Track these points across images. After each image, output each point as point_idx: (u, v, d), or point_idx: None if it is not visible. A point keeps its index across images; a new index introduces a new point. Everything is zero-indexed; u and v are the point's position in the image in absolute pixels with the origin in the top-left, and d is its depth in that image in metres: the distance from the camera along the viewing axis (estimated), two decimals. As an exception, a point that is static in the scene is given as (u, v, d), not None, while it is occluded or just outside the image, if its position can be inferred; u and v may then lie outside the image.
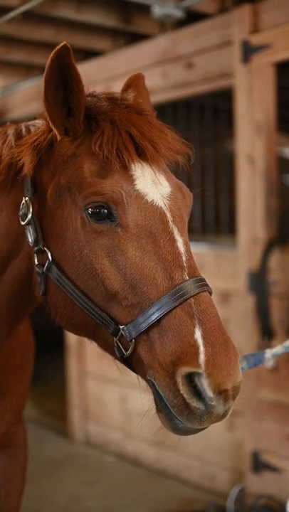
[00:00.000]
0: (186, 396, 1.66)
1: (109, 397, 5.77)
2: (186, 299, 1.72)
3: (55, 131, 1.92)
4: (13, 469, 2.61)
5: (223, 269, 4.77)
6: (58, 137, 1.92)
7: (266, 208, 4.42)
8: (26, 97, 6.58)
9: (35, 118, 2.18)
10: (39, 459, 5.51)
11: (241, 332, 4.57)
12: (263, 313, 4.28)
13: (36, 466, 5.28)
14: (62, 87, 1.87)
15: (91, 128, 1.90)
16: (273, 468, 4.42)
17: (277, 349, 2.26)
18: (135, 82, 2.28)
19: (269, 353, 2.20)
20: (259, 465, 4.49)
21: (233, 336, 4.58)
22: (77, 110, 1.89)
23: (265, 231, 4.42)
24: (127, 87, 2.27)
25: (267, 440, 4.48)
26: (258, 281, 4.34)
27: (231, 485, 4.68)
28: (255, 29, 4.44)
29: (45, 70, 1.83)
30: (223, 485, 4.83)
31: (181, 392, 1.66)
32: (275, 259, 4.34)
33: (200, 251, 4.93)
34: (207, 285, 1.79)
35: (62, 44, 1.79)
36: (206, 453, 4.97)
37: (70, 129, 1.91)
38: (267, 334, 4.27)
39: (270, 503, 4.35)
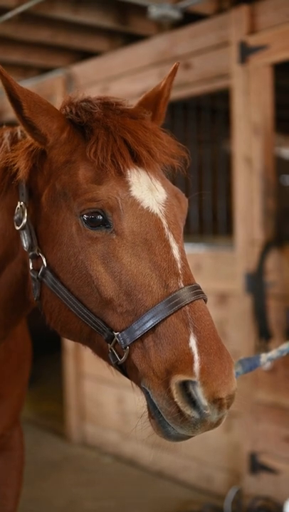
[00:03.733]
0: (180, 404, 1.65)
1: (106, 398, 5.77)
2: (181, 307, 1.71)
3: (47, 144, 1.93)
4: (10, 472, 2.61)
5: (221, 270, 4.77)
6: (48, 148, 1.93)
7: (263, 209, 4.42)
8: (23, 97, 6.55)
9: None
10: (36, 460, 5.51)
11: (238, 333, 4.57)
12: (260, 314, 4.28)
13: (33, 467, 5.28)
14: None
15: (85, 135, 1.89)
16: (270, 470, 4.42)
17: (273, 353, 2.25)
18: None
19: (264, 357, 2.19)
20: (256, 466, 4.49)
21: (230, 337, 4.61)
22: (62, 128, 1.90)
23: (262, 232, 4.42)
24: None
25: (264, 441, 4.47)
26: (256, 283, 4.33)
27: (228, 486, 4.68)
28: (252, 30, 4.44)
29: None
30: (220, 486, 4.82)
31: (176, 400, 1.65)
32: (273, 261, 4.33)
33: (197, 252, 4.93)
34: (202, 292, 1.78)
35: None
36: (203, 454, 4.96)
37: (60, 141, 1.91)
38: (264, 335, 4.26)
39: (267, 504, 4.35)
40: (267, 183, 4.42)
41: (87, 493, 5.02)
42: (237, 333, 4.59)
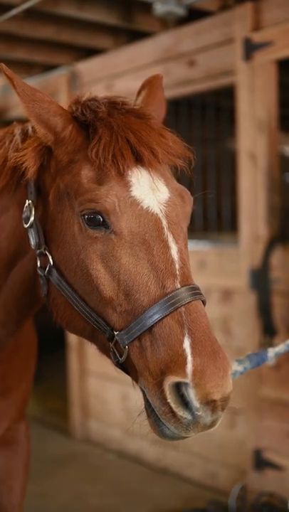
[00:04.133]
0: (172, 405, 1.66)
1: (110, 395, 5.77)
2: (177, 308, 1.71)
3: (49, 143, 1.95)
4: (16, 466, 2.63)
5: (225, 266, 4.77)
6: (52, 147, 1.95)
7: (268, 206, 4.42)
8: (28, 95, 6.57)
9: None
10: (40, 456, 5.51)
11: (243, 330, 4.57)
12: (264, 310, 4.28)
13: (37, 463, 5.29)
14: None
15: (89, 134, 1.90)
16: (275, 466, 4.42)
17: (280, 348, 2.26)
18: (150, 83, 2.23)
19: (272, 351, 2.20)
20: (261, 463, 4.49)
21: (235, 334, 4.62)
22: (63, 127, 1.92)
23: (267, 228, 4.42)
24: (141, 89, 2.23)
25: (268, 438, 4.48)
26: (260, 279, 4.34)
27: (233, 483, 4.68)
28: (257, 26, 4.44)
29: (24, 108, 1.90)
30: (225, 483, 4.83)
31: (168, 401, 1.66)
32: (277, 257, 4.33)
33: (202, 249, 4.93)
34: (200, 293, 1.78)
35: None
36: (207, 451, 4.97)
37: (62, 140, 1.92)
38: (269, 332, 4.27)
39: (272, 500, 4.35)
40: (271, 179, 4.42)
41: (92, 489, 5.03)
42: (241, 330, 4.60)
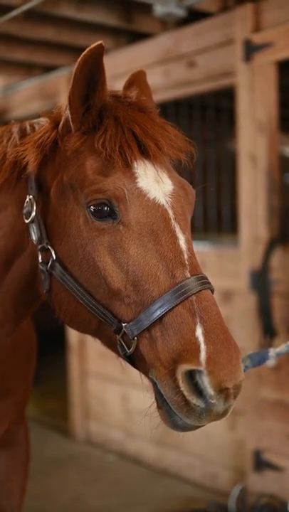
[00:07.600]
0: (186, 393, 1.66)
1: (110, 396, 5.77)
2: (188, 297, 1.71)
3: (72, 126, 1.91)
4: (15, 468, 2.62)
5: (225, 267, 4.77)
6: (73, 132, 1.92)
7: (268, 207, 4.42)
8: (28, 96, 6.59)
9: (37, 117, 2.19)
10: (40, 458, 5.51)
11: (243, 331, 4.57)
12: (264, 312, 4.28)
13: (38, 465, 5.28)
14: (88, 84, 1.87)
15: (95, 125, 1.90)
16: (275, 467, 4.42)
17: (281, 348, 2.26)
18: (137, 79, 2.27)
19: (273, 351, 2.20)
20: (261, 464, 4.49)
21: (235, 335, 4.56)
22: (96, 108, 1.90)
23: (267, 229, 4.42)
24: (129, 84, 2.26)
25: (268, 439, 4.47)
26: (260, 280, 4.34)
27: (233, 484, 4.68)
28: (257, 28, 4.44)
29: (77, 67, 1.82)
30: (225, 484, 4.83)
31: (181, 389, 1.66)
32: (277, 258, 4.33)
33: (202, 250, 4.93)
34: (209, 283, 1.79)
35: (97, 43, 1.78)
36: (207, 452, 4.96)
37: (84, 126, 1.91)
38: (269, 333, 4.26)
39: (272, 501, 4.35)
40: (272, 180, 4.42)
41: (92, 490, 5.03)
42: (241, 331, 4.59)
